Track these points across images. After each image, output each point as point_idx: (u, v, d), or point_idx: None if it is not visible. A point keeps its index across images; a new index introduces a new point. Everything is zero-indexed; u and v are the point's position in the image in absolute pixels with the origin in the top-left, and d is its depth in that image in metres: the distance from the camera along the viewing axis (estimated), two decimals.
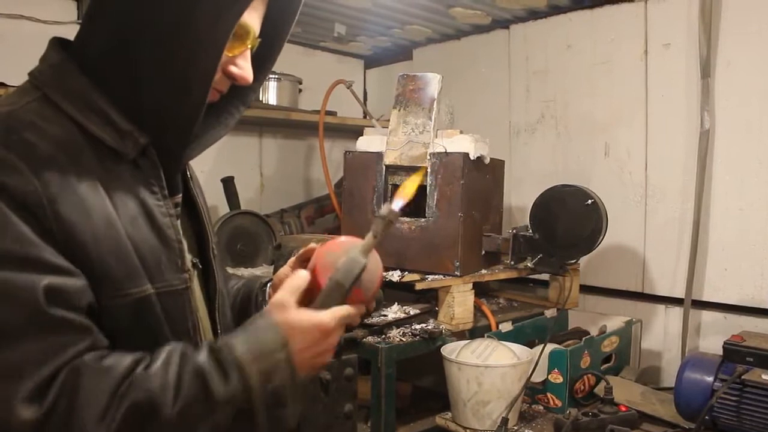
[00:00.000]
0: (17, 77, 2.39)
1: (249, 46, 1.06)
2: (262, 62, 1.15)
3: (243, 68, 1.06)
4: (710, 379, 1.81)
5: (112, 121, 0.97)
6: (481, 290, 2.39)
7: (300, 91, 3.19)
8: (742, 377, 1.74)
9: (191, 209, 1.18)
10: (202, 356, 0.92)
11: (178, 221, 1.08)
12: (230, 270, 2.47)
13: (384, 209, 1.08)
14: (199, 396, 0.89)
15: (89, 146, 0.96)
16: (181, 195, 1.12)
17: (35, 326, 0.85)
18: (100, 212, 0.93)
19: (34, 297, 0.84)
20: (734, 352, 1.82)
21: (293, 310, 1.00)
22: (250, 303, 1.31)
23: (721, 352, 1.87)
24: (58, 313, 0.86)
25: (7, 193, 0.86)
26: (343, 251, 1.08)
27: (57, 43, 1.03)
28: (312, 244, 1.18)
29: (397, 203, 1.11)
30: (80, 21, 2.72)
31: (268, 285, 1.29)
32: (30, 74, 1.01)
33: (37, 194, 0.87)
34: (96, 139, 0.96)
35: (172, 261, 1.02)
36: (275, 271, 1.70)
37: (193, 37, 0.96)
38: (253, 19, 1.04)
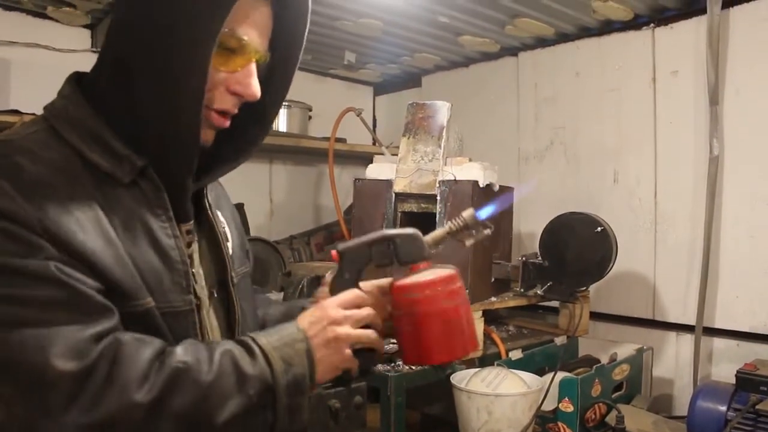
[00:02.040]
0: (32, 104, 2.45)
1: (253, 61, 1.04)
2: (276, 88, 1.14)
3: (247, 84, 1.04)
4: (723, 408, 1.79)
5: (110, 147, 0.99)
6: (491, 318, 2.38)
7: (310, 118, 3.22)
8: (756, 407, 1.72)
9: (212, 237, 1.17)
10: (229, 343, 0.99)
11: (193, 246, 1.09)
12: None
13: (467, 215, 1.11)
14: (229, 370, 0.94)
15: (87, 172, 0.97)
16: (192, 222, 1.11)
17: (63, 300, 0.88)
18: (97, 230, 0.94)
19: (53, 274, 0.87)
20: (748, 381, 1.81)
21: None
22: None
23: (733, 380, 1.85)
24: (80, 287, 0.89)
25: None
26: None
27: (74, 77, 1.06)
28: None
29: (483, 211, 1.13)
30: (94, 49, 2.77)
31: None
32: (45, 108, 1.04)
33: (27, 214, 0.88)
34: (93, 165, 0.98)
35: (176, 282, 1.02)
36: (285, 298, 1.70)
37: (178, 54, 0.95)
38: (250, 32, 1.02)
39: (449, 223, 1.12)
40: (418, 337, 1.07)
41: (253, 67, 1.05)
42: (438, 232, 1.12)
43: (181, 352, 0.93)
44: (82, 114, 1.00)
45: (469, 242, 1.16)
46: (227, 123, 1.07)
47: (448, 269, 1.10)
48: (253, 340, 0.99)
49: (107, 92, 1.01)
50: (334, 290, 1.11)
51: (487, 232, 1.15)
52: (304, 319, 1.06)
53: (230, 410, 0.92)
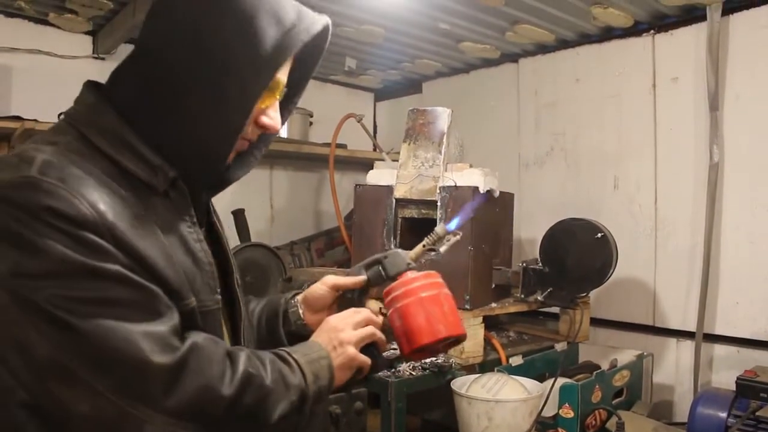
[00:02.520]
0: (33, 110, 2.45)
1: (278, 98, 1.13)
2: (285, 104, 1.21)
3: (273, 118, 1.13)
4: (724, 415, 1.79)
5: (143, 156, 1.04)
6: (491, 324, 2.38)
7: (311, 124, 3.22)
8: (757, 414, 1.72)
9: (216, 242, 1.24)
10: (268, 354, 1.12)
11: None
12: None
13: (439, 228, 1.34)
14: (279, 378, 1.08)
15: (125, 180, 1.01)
16: (204, 228, 1.19)
17: (141, 300, 0.96)
18: (151, 236, 1.00)
19: (129, 277, 0.94)
20: (748, 388, 1.81)
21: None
22: (277, 318, 1.38)
23: (734, 387, 1.85)
24: (151, 287, 0.97)
25: (68, 220, 0.90)
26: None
27: (92, 85, 1.09)
28: None
29: (452, 223, 1.35)
30: (95, 56, 2.77)
31: (296, 298, 1.40)
32: (65, 114, 1.07)
33: (96, 221, 0.92)
34: (130, 174, 1.02)
35: (206, 283, 1.10)
36: None
37: (227, 93, 1.03)
38: (284, 72, 1.11)
39: (425, 239, 1.35)
40: (406, 325, 1.25)
41: (277, 102, 1.14)
42: (417, 248, 1.35)
43: (244, 358, 1.05)
44: (110, 122, 1.03)
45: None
46: (246, 147, 1.18)
47: (427, 272, 1.31)
48: (289, 354, 1.13)
49: (139, 105, 1.05)
50: (340, 306, 1.32)
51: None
52: (324, 338, 1.22)
53: (280, 411, 1.06)
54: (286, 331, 1.36)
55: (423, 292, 1.26)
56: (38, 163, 0.93)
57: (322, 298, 1.36)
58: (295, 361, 1.13)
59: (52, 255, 0.89)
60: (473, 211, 1.81)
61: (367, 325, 1.27)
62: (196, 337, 1.01)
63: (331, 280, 1.36)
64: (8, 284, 0.89)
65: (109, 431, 0.94)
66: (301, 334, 1.32)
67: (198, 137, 1.06)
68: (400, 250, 1.34)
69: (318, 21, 1.11)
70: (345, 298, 1.35)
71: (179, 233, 1.07)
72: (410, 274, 1.30)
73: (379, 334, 1.28)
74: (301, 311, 1.37)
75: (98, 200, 0.94)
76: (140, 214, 1.00)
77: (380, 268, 1.32)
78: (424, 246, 1.34)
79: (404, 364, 2.00)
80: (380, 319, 1.30)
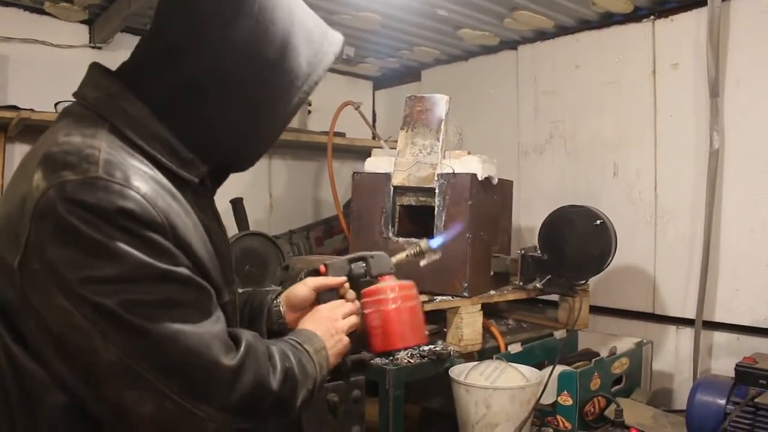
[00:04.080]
0: (30, 100, 2.44)
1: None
2: None
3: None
4: (723, 402, 1.79)
5: (175, 150, 1.04)
6: (490, 311, 2.38)
7: (309, 112, 3.21)
8: (755, 400, 1.72)
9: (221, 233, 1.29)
10: (287, 344, 1.18)
11: None
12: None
13: (423, 243, 1.48)
14: (301, 368, 1.15)
15: (161, 174, 1.02)
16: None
17: (202, 300, 0.99)
18: (197, 234, 1.03)
19: (191, 278, 0.97)
20: (747, 375, 1.80)
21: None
22: (261, 314, 1.41)
23: (733, 374, 1.84)
24: (207, 287, 1.01)
25: (138, 221, 0.91)
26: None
27: (104, 70, 1.07)
28: None
29: (435, 241, 1.49)
30: (92, 45, 2.76)
31: (279, 299, 1.43)
32: (83, 100, 1.04)
33: (162, 222, 0.94)
34: (163, 167, 1.02)
35: (226, 276, 1.15)
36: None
37: (269, 108, 1.10)
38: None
39: (408, 249, 1.49)
40: (386, 327, 1.38)
41: None
42: (400, 255, 1.48)
43: (278, 351, 1.12)
44: (141, 114, 1.02)
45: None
46: None
47: (407, 281, 1.43)
48: (300, 344, 1.20)
49: (171, 102, 1.04)
50: (322, 297, 1.39)
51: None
52: (323, 328, 1.29)
53: (301, 399, 1.14)
54: (267, 328, 1.39)
55: (407, 301, 1.40)
56: (102, 161, 0.92)
57: (305, 300, 1.40)
58: (306, 351, 1.20)
59: (125, 259, 0.89)
60: (454, 235, 1.98)
61: (351, 315, 1.37)
62: (247, 336, 1.06)
63: (313, 282, 1.40)
64: (76, 291, 0.88)
65: (169, 431, 0.97)
66: (279, 331, 1.37)
67: (233, 142, 1.11)
68: (384, 254, 1.45)
69: (337, 39, 1.20)
70: (324, 292, 1.42)
71: (207, 227, 1.10)
72: (391, 280, 1.42)
73: (359, 323, 1.38)
74: (282, 310, 1.41)
75: (158, 199, 0.95)
76: (187, 210, 1.02)
77: (365, 265, 1.43)
78: (407, 256, 1.48)
79: (402, 351, 1.99)
80: (358, 306, 1.40)
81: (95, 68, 1.07)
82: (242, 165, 1.19)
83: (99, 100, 1.02)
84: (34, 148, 1.02)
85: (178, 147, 1.04)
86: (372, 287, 1.41)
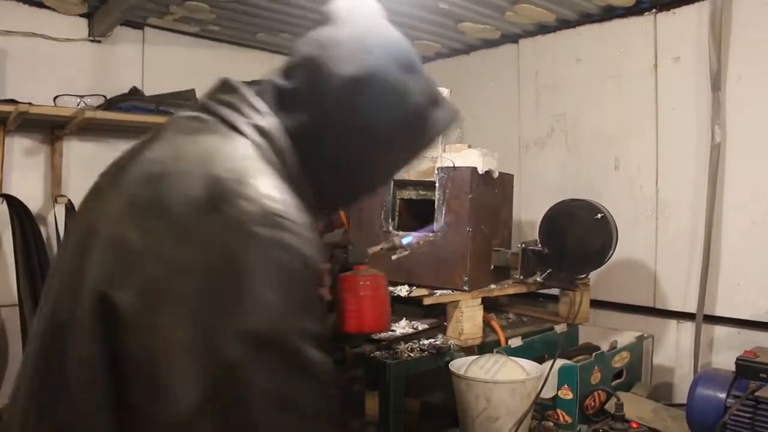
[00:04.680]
0: (29, 93, 2.43)
1: None
2: None
3: None
4: (723, 395, 1.79)
5: (307, 197, 1.07)
6: (490, 305, 2.37)
7: None
8: (756, 394, 1.71)
9: None
10: None
11: None
12: None
13: (397, 239, 1.69)
14: None
15: None
16: None
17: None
18: None
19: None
20: (747, 369, 1.80)
21: None
22: None
23: (734, 368, 1.84)
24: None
25: (311, 269, 0.92)
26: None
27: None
28: None
29: (406, 239, 1.68)
30: (91, 38, 2.75)
31: None
32: (261, 131, 1.04)
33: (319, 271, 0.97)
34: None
35: None
36: None
37: (373, 173, 1.19)
38: None
39: (384, 243, 1.71)
40: (362, 311, 1.53)
41: None
42: (375, 248, 1.67)
43: None
44: (294, 163, 1.06)
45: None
46: None
47: (379, 272, 1.58)
48: None
49: (308, 152, 1.08)
50: None
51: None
52: None
53: None
54: None
55: (382, 291, 1.57)
56: (278, 197, 0.92)
57: None
58: None
59: (305, 304, 0.92)
60: (425, 237, 2.10)
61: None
62: None
63: None
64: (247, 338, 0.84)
65: None
66: None
67: (344, 196, 1.20)
68: (361, 244, 1.62)
69: (452, 113, 1.23)
70: None
71: None
72: (370, 270, 1.57)
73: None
74: None
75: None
76: None
77: (345, 253, 1.56)
78: (381, 249, 1.67)
79: (402, 345, 1.99)
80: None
81: (249, 89, 1.09)
82: (342, 210, 1.38)
83: (263, 132, 1.05)
84: None
85: (310, 196, 1.07)
86: (353, 273, 1.55)
